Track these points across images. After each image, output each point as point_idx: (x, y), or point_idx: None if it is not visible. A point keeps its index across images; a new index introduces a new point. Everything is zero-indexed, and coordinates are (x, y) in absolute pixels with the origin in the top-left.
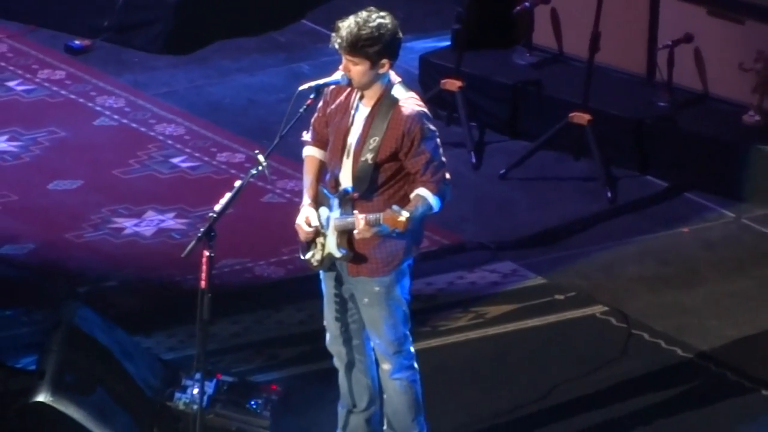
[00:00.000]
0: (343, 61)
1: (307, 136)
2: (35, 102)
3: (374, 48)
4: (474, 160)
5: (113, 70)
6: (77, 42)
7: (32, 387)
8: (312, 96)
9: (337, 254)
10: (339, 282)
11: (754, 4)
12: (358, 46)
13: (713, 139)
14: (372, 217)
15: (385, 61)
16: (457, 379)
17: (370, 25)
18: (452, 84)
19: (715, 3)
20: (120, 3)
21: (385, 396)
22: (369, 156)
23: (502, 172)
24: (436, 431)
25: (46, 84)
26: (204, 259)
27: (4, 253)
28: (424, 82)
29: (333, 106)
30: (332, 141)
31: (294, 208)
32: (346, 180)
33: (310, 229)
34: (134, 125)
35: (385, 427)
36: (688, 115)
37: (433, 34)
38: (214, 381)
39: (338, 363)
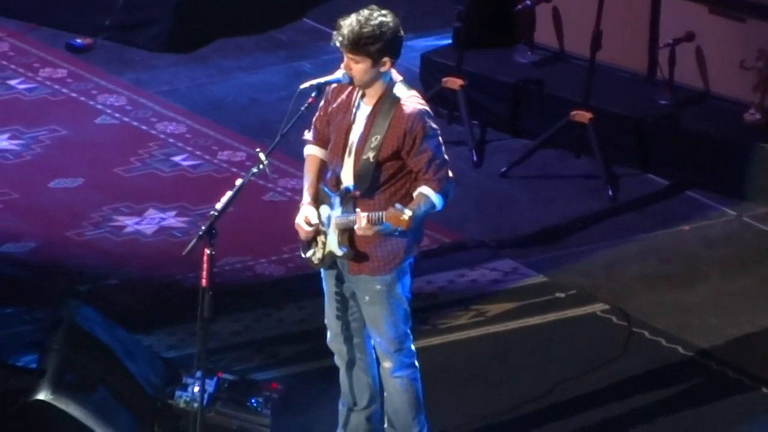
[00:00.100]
0: (345, 59)
1: (308, 135)
2: (36, 100)
3: (376, 46)
4: (475, 159)
5: (115, 69)
6: (79, 40)
7: (33, 385)
8: (313, 94)
9: (339, 252)
10: (340, 280)
11: (755, 3)
12: (359, 44)
13: (714, 137)
14: (374, 215)
15: (386, 59)
16: (458, 378)
17: (372, 23)
18: (453, 82)
19: (717, 1)
20: (121, 2)
21: (385, 394)
22: (371, 154)
23: (503, 170)
24: (436, 429)
25: (48, 82)
26: (205, 258)
27: (5, 252)
28: (425, 80)
29: (334, 105)
30: (334, 139)
31: (295, 206)
32: (347, 178)
33: (310, 229)
34: (135, 123)
35: (385, 426)
36: (689, 114)
37: (435, 32)
38: (215, 379)
39: (339, 361)
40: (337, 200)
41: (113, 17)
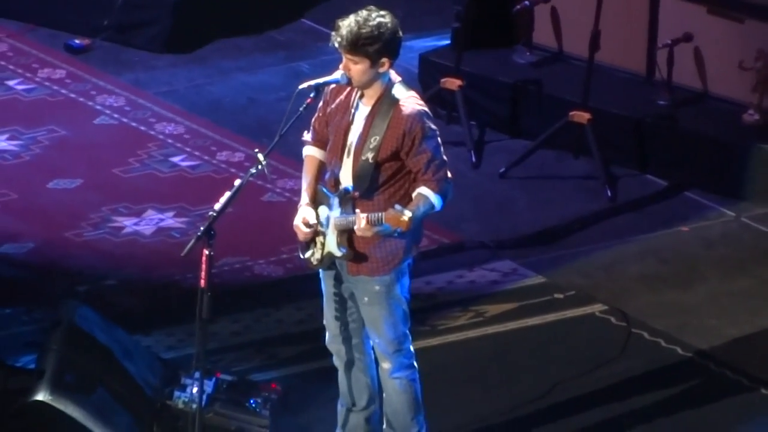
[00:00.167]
0: (343, 59)
1: (307, 136)
2: (35, 101)
3: (374, 47)
4: (474, 159)
5: (113, 69)
6: (77, 41)
7: (32, 386)
8: (312, 95)
9: (338, 253)
10: (338, 281)
11: (754, 3)
12: (358, 44)
13: (713, 137)
14: (374, 216)
15: (385, 59)
16: (457, 378)
17: (370, 23)
18: (452, 83)
19: (715, 2)
20: (120, 2)
21: (384, 395)
22: (370, 155)
23: (501, 170)
24: (435, 430)
25: (47, 83)
26: (204, 258)
27: (4, 252)
28: (423, 80)
29: (333, 106)
30: (332, 140)
31: (293, 207)
32: (346, 179)
33: (309, 230)
34: (134, 124)
35: (384, 426)
36: (687, 114)
37: (433, 32)
38: (214, 380)
39: (338, 362)
40: (335, 201)
41: (112, 18)
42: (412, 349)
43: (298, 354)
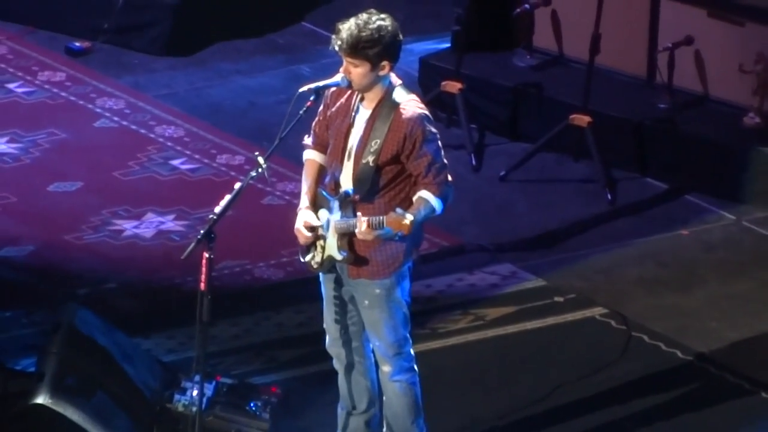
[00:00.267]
0: (344, 63)
1: (308, 139)
2: (35, 104)
3: (374, 50)
4: (474, 162)
5: (113, 72)
6: (77, 44)
7: (32, 389)
8: (312, 98)
9: (338, 257)
10: (338, 284)
11: (754, 6)
12: (358, 47)
13: (713, 141)
14: (375, 219)
15: (385, 63)
16: (457, 382)
17: (370, 27)
18: (452, 86)
19: (716, 5)
20: (120, 5)
21: (384, 398)
22: (370, 158)
23: (502, 174)
24: None
25: (47, 86)
26: (204, 261)
27: (4, 255)
28: (424, 84)
29: (333, 109)
30: (333, 143)
31: (293, 210)
32: (346, 182)
33: (310, 234)
34: (134, 127)
35: (384, 429)
36: (688, 117)
37: (433, 36)
38: (214, 383)
39: (338, 365)
40: (336, 204)
41: (112, 20)
42: (412, 352)
43: (298, 357)
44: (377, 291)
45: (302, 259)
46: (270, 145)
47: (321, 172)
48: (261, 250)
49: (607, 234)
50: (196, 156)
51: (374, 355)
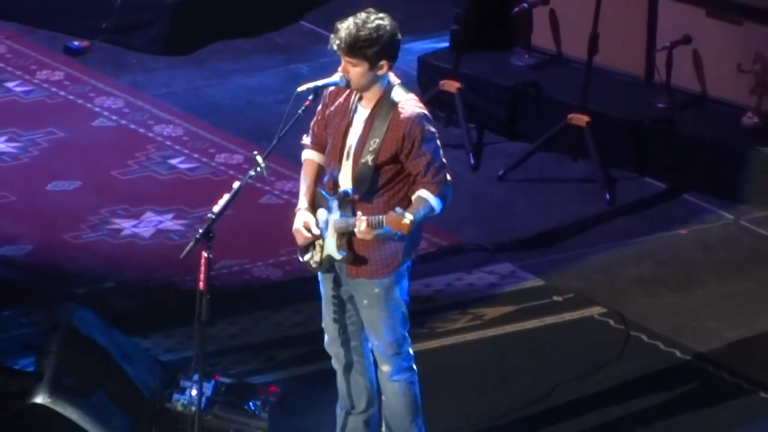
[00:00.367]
0: (342, 62)
1: (306, 139)
2: (34, 103)
3: (373, 49)
4: (472, 162)
5: (112, 71)
6: (76, 43)
7: (30, 388)
8: (310, 97)
9: (337, 256)
10: (337, 283)
11: (752, 6)
12: (356, 47)
13: (712, 140)
14: (374, 219)
15: (383, 62)
16: (456, 381)
17: (369, 26)
18: (451, 85)
19: (714, 4)
20: (118, 4)
21: (383, 397)
22: (369, 158)
23: (500, 173)
24: None
25: (45, 85)
26: (202, 261)
27: (3, 254)
28: (422, 83)
29: (332, 108)
30: (331, 142)
31: (292, 209)
32: (345, 182)
33: (310, 234)
34: (133, 126)
35: (383, 429)
36: (686, 117)
37: (432, 35)
38: (213, 382)
39: (336, 364)
40: (335, 204)
41: (110, 20)
42: (411, 351)
43: (296, 357)
44: (376, 290)
45: (301, 259)
46: (268, 145)
47: (319, 171)
48: (259, 250)
49: (605, 233)
50: (195, 155)
51: (373, 355)
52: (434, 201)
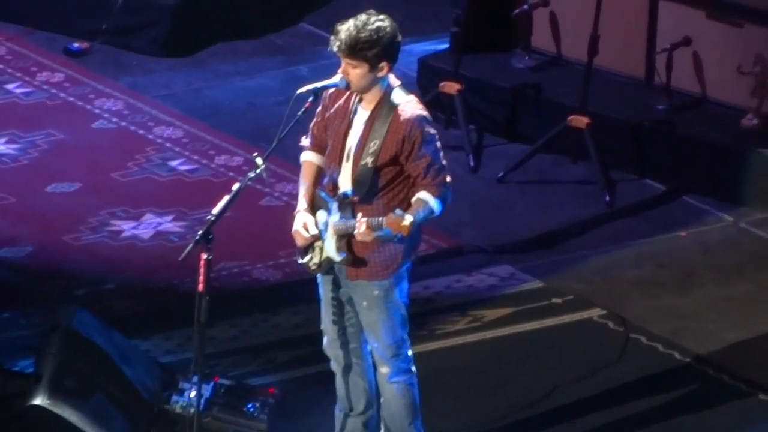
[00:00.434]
0: (342, 64)
1: (305, 140)
2: (34, 104)
3: (373, 51)
4: (472, 163)
5: (112, 73)
6: (76, 44)
7: (29, 390)
8: (310, 99)
9: (337, 258)
10: (336, 285)
11: (753, 8)
12: (356, 49)
13: (712, 142)
14: (374, 221)
15: (383, 64)
16: (455, 383)
17: (369, 28)
18: (451, 87)
19: (714, 6)
20: (119, 6)
21: (382, 399)
22: (369, 160)
23: (500, 175)
24: None
25: (45, 86)
26: (202, 262)
27: (2, 256)
28: (422, 85)
29: (332, 110)
30: (331, 144)
31: (292, 211)
32: (345, 183)
33: (309, 235)
34: (133, 128)
35: (382, 431)
36: (686, 119)
37: (432, 37)
38: (212, 384)
39: (335, 366)
40: (334, 206)
41: (111, 21)
42: (410, 353)
43: (295, 358)
44: (376, 292)
45: (300, 261)
46: (268, 146)
47: (318, 173)
48: (259, 251)
49: (605, 235)
50: (195, 157)
51: (372, 357)
52: (434, 203)
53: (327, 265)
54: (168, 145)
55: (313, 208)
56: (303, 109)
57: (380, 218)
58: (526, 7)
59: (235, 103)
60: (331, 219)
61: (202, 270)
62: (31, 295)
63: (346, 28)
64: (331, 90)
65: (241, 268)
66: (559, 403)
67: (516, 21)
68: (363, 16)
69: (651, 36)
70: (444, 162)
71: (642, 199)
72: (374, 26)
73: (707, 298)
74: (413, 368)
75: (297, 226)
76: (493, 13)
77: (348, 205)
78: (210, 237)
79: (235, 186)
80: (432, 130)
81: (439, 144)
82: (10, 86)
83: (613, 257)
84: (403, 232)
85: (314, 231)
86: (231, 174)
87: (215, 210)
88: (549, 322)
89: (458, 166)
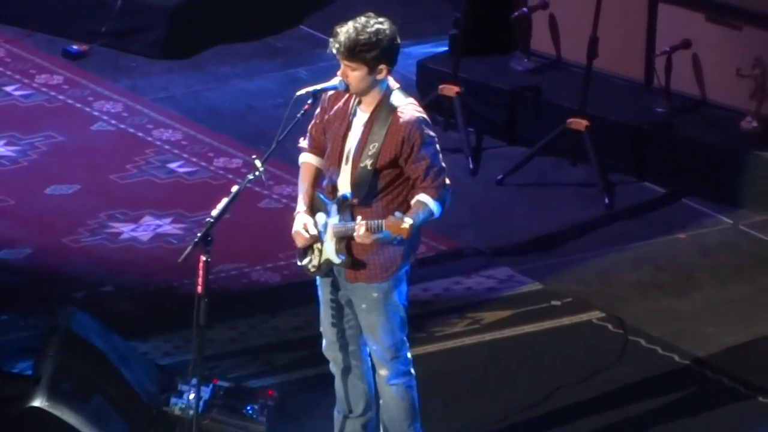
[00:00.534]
0: (341, 66)
1: (303, 142)
2: (33, 107)
3: (372, 53)
4: (471, 166)
5: (111, 75)
6: (75, 47)
7: (28, 392)
8: (309, 101)
9: (336, 260)
10: (335, 288)
11: (752, 11)
12: (355, 51)
13: (711, 145)
14: (373, 223)
15: (382, 66)
16: (453, 385)
17: (368, 30)
18: (450, 89)
19: (713, 9)
20: (117, 8)
21: (381, 402)
22: (368, 162)
23: (499, 177)
24: None
25: (44, 89)
26: (201, 264)
27: (1, 258)
28: (421, 87)
29: (331, 113)
30: (330, 147)
31: (291, 213)
32: (344, 186)
33: (309, 237)
34: (131, 130)
35: None
36: (685, 121)
37: (431, 39)
38: (211, 386)
39: (334, 368)
40: (333, 208)
41: (109, 24)
42: (409, 355)
43: (294, 361)
44: (375, 294)
45: (299, 263)
46: (267, 149)
47: (317, 174)
48: (258, 254)
49: (604, 238)
50: (194, 159)
51: (371, 359)
52: (433, 205)
53: (326, 268)
54: (167, 147)
55: (312, 210)
56: (302, 112)
57: (379, 221)
58: (525, 9)
59: (234, 105)
60: (330, 221)
61: (201, 272)
62: (30, 297)
63: (346, 31)
64: (330, 92)
65: (240, 270)
66: (558, 406)
67: (515, 23)
68: (362, 19)
69: (650, 38)
70: (443, 164)
71: (641, 201)
72: (373, 29)
73: (706, 300)
74: (412, 370)
75: (297, 227)
76: (492, 16)
77: (347, 208)
78: (209, 239)
79: (234, 188)
80: (431, 133)
81: (438, 146)
82: (9, 88)
83: (612, 260)
84: (403, 235)
85: (314, 232)
86: (230, 176)
87: (214, 212)
88: (548, 324)
89: (457, 168)
